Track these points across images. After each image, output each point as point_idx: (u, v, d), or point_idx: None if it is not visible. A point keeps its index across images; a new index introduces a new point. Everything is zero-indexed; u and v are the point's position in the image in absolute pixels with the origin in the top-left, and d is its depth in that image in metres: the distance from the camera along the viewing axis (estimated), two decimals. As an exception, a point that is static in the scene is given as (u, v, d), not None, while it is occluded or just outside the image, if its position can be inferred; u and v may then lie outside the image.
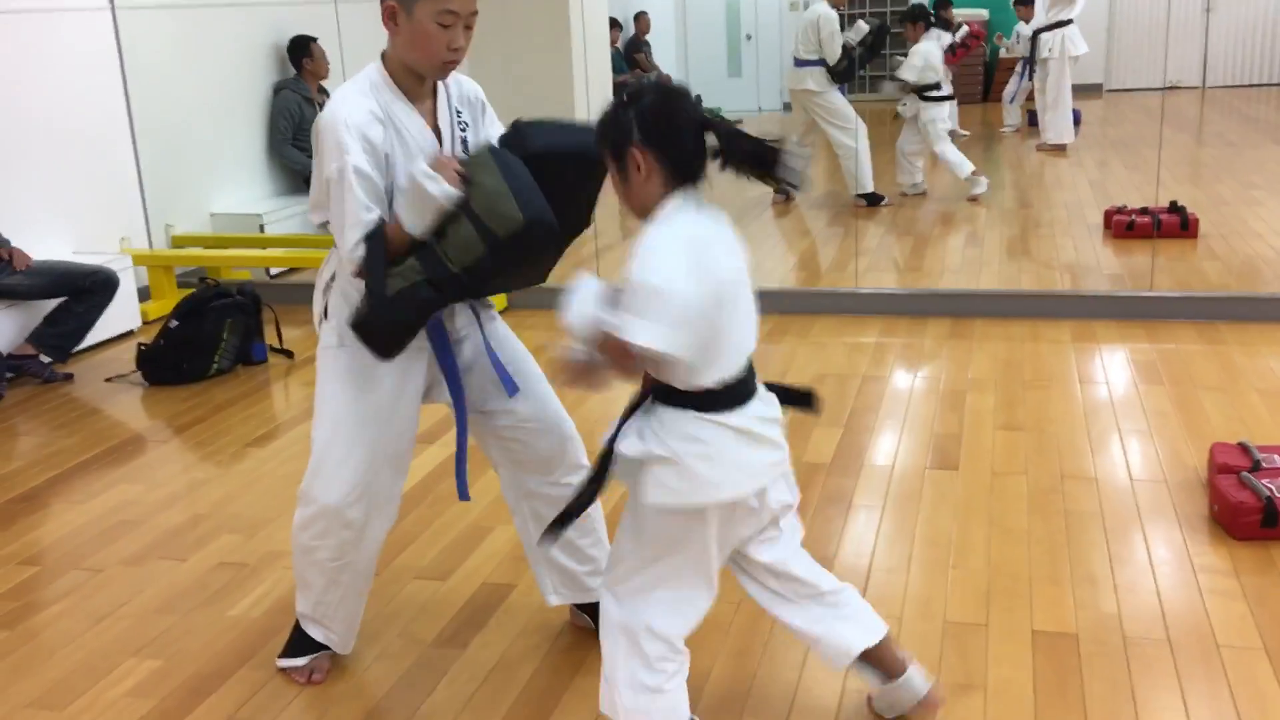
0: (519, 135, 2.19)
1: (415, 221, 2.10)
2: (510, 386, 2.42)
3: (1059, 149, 8.74)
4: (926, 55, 7.52)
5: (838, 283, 5.72)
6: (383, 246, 2.12)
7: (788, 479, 2.13)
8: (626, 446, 1.96)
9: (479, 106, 2.39)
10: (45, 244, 5.18)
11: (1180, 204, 6.24)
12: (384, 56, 2.25)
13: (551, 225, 2.07)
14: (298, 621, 2.58)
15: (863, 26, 7.53)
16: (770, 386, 2.08)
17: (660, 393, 1.96)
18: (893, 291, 5.42)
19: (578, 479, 2.50)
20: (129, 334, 5.44)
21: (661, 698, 2.04)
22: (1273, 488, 2.96)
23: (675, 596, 2.03)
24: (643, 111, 1.90)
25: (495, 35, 9.06)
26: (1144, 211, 6.23)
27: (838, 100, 7.44)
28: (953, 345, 4.70)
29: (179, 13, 6.26)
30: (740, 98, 10.62)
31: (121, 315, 5.32)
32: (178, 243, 6.24)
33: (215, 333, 4.77)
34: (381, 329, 2.15)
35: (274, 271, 6.25)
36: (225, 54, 6.58)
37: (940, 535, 3.07)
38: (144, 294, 5.79)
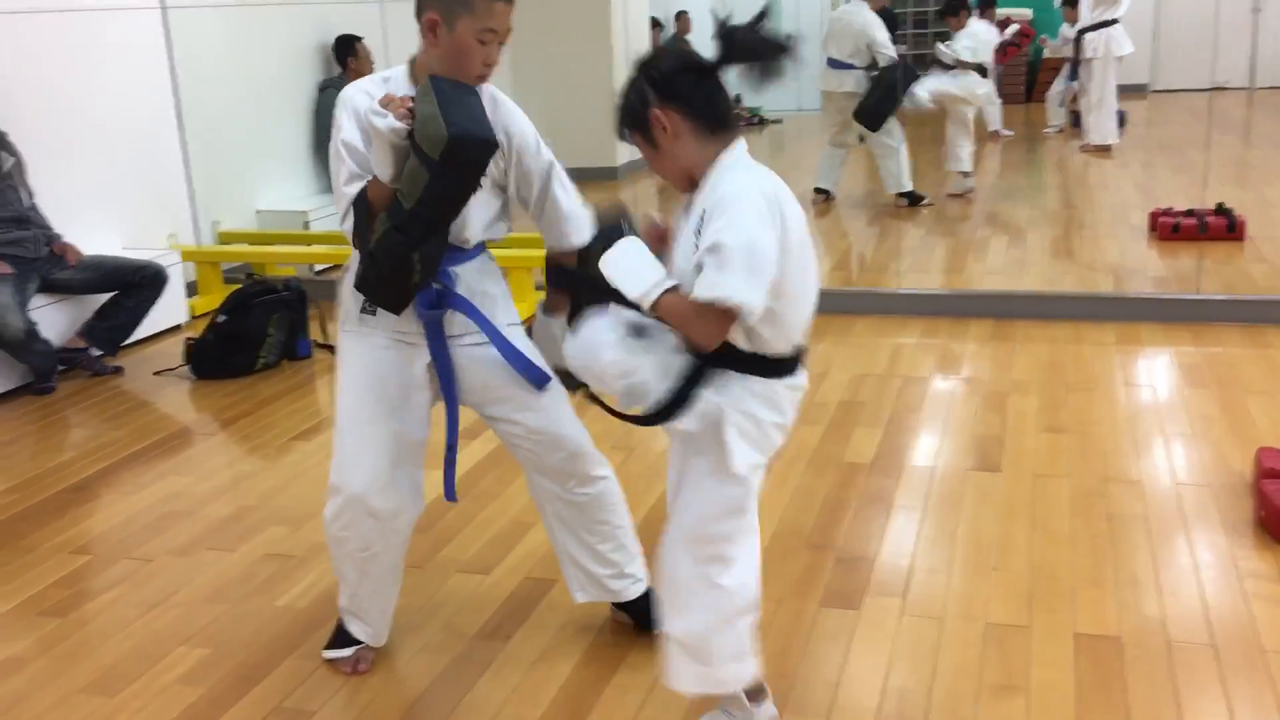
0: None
1: (377, 163, 2.17)
2: (538, 377, 2.42)
3: (1104, 150, 8.67)
4: (975, 34, 7.48)
5: (879, 283, 5.71)
6: (365, 207, 2.21)
7: None
8: (702, 411, 1.92)
9: (504, 110, 2.38)
10: (96, 239, 5.26)
11: (1227, 206, 6.18)
12: (414, 61, 2.31)
13: (480, 138, 2.09)
14: (340, 612, 2.63)
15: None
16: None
17: (723, 358, 1.91)
18: (934, 292, 5.40)
19: (594, 490, 2.53)
20: (177, 328, 5.53)
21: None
22: (1321, 493, 2.93)
23: (741, 551, 2.05)
24: (650, 74, 1.90)
25: (538, 34, 9.11)
26: (1189, 213, 6.17)
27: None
28: (995, 346, 4.68)
29: (228, 11, 6.35)
30: (780, 97, 10.59)
31: (170, 310, 5.40)
32: (224, 239, 6.32)
33: (261, 328, 4.83)
34: (374, 284, 2.26)
35: (318, 268, 6.32)
36: (272, 53, 6.66)
37: (982, 537, 3.07)
38: (191, 289, 5.88)
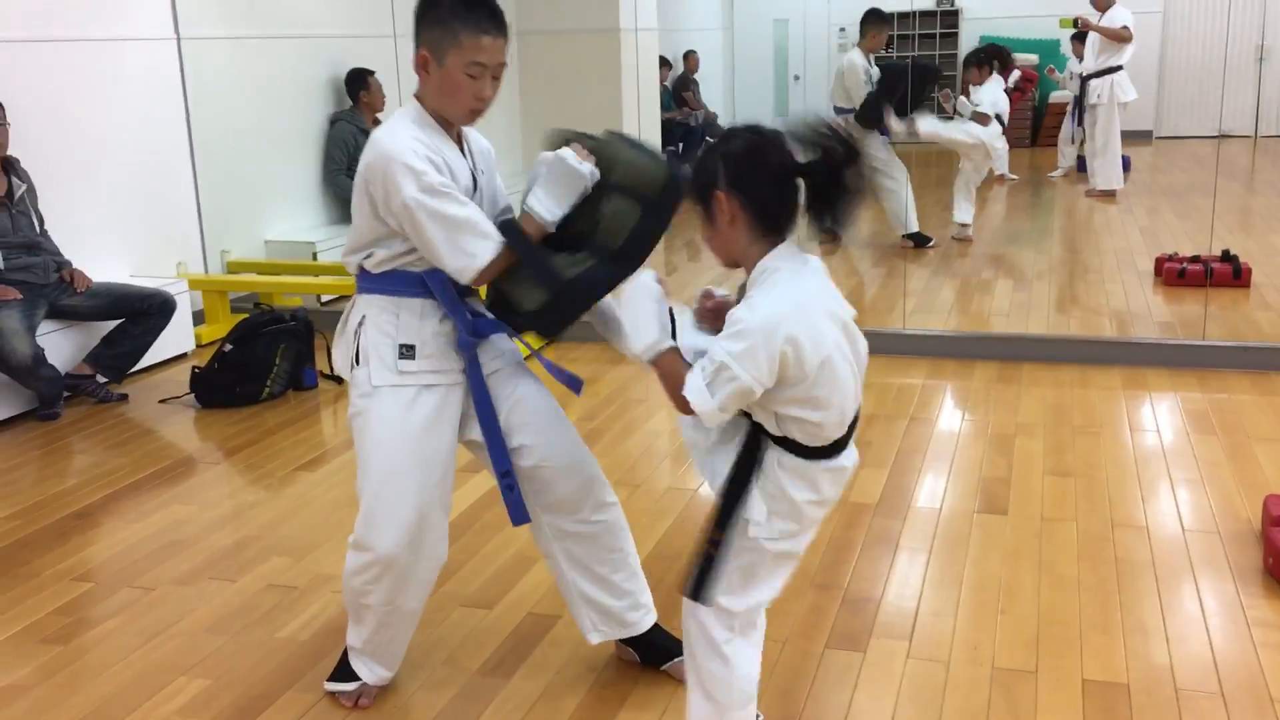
0: (653, 158, 2.27)
1: (552, 206, 2.22)
2: (574, 384, 2.48)
3: (1108, 195, 8.69)
4: (994, 93, 7.55)
5: (885, 323, 5.71)
6: (526, 235, 2.24)
7: None
8: (754, 511, 2.00)
9: (489, 157, 2.46)
10: (105, 267, 5.28)
11: (1233, 253, 6.19)
12: (419, 98, 2.32)
13: (685, 175, 2.15)
14: (347, 649, 2.61)
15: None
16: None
17: (773, 439, 1.98)
18: (941, 333, 5.40)
19: (607, 516, 2.52)
20: (183, 356, 5.53)
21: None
22: (1329, 542, 2.92)
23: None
24: (729, 155, 1.90)
25: (547, 72, 9.17)
26: (1195, 259, 6.18)
27: (876, 145, 7.47)
28: (1001, 389, 4.68)
29: (241, 44, 6.40)
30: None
31: (177, 338, 5.41)
32: (233, 268, 6.34)
33: (268, 358, 4.84)
34: (557, 318, 2.29)
35: (325, 299, 6.33)
36: (284, 85, 6.71)
37: (989, 580, 3.05)
38: (199, 318, 5.88)
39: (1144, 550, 3.19)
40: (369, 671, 2.57)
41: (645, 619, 2.61)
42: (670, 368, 1.95)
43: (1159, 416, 4.31)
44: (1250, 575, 3.02)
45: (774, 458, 1.98)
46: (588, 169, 2.21)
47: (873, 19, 7.53)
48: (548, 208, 2.22)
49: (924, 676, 2.60)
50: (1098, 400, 4.49)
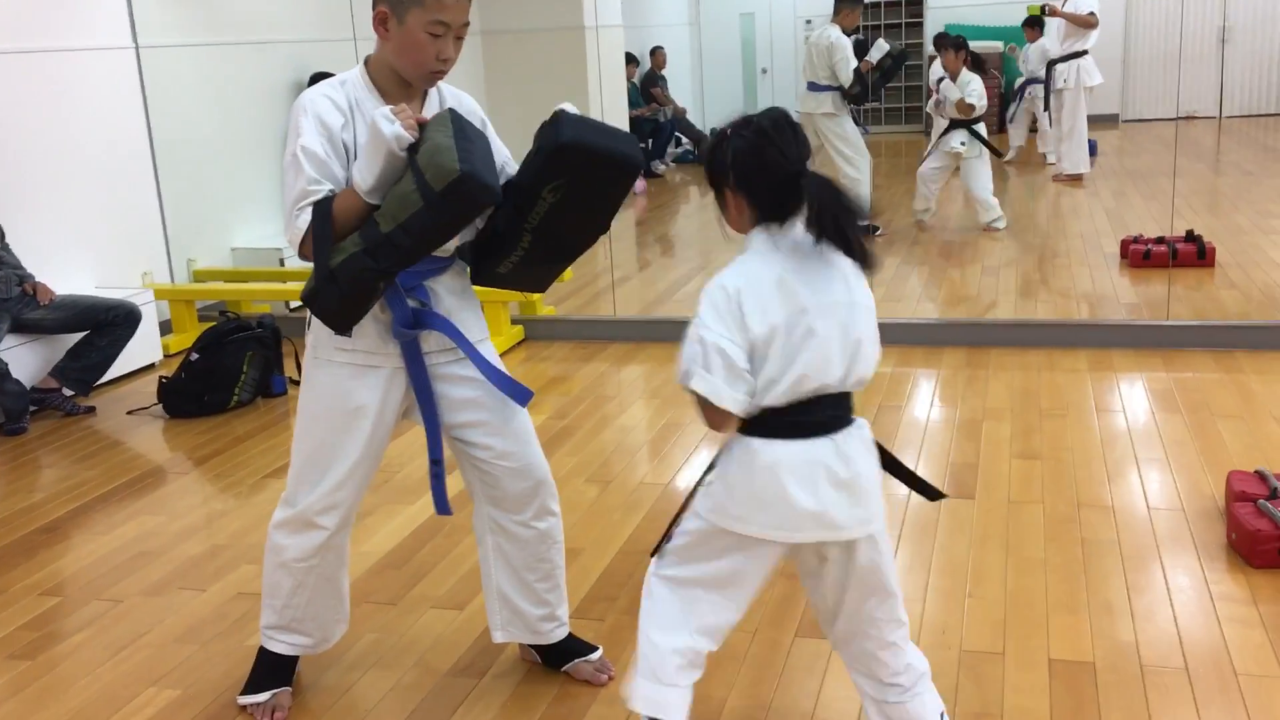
0: (554, 122, 2.17)
1: (364, 168, 2.09)
2: (520, 394, 2.39)
3: (1075, 179, 8.75)
4: (976, 79, 7.49)
5: (854, 313, 5.73)
6: (328, 220, 2.12)
7: (854, 563, 2.02)
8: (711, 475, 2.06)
9: (480, 122, 2.36)
10: (69, 278, 5.25)
11: (1197, 233, 6.24)
12: (368, 59, 2.27)
13: (487, 185, 2.07)
14: (259, 653, 2.59)
15: (883, 45, 7.55)
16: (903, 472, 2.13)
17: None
18: (909, 321, 5.43)
19: (546, 525, 2.51)
20: (151, 367, 5.50)
21: (673, 692, 2.09)
22: (1291, 515, 2.95)
23: (709, 599, 2.07)
24: (735, 153, 1.94)
25: (513, 71, 9.16)
26: (1160, 241, 6.23)
27: (850, 127, 7.49)
28: (969, 375, 4.70)
29: (201, 51, 6.37)
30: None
31: (143, 349, 5.37)
32: (199, 277, 6.31)
33: (235, 365, 4.81)
34: (328, 304, 2.16)
35: (293, 305, 6.30)
36: (246, 91, 6.68)
37: (957, 564, 3.07)
38: (165, 328, 5.85)
39: (1110, 530, 3.22)
40: (288, 645, 2.55)
41: (556, 632, 2.60)
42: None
43: (1125, 397, 4.35)
44: (1214, 551, 3.05)
45: (738, 441, 1.99)
46: (393, 131, 2.04)
47: None
48: (361, 171, 2.10)
49: (893, 662, 2.61)
50: (1064, 383, 4.52)
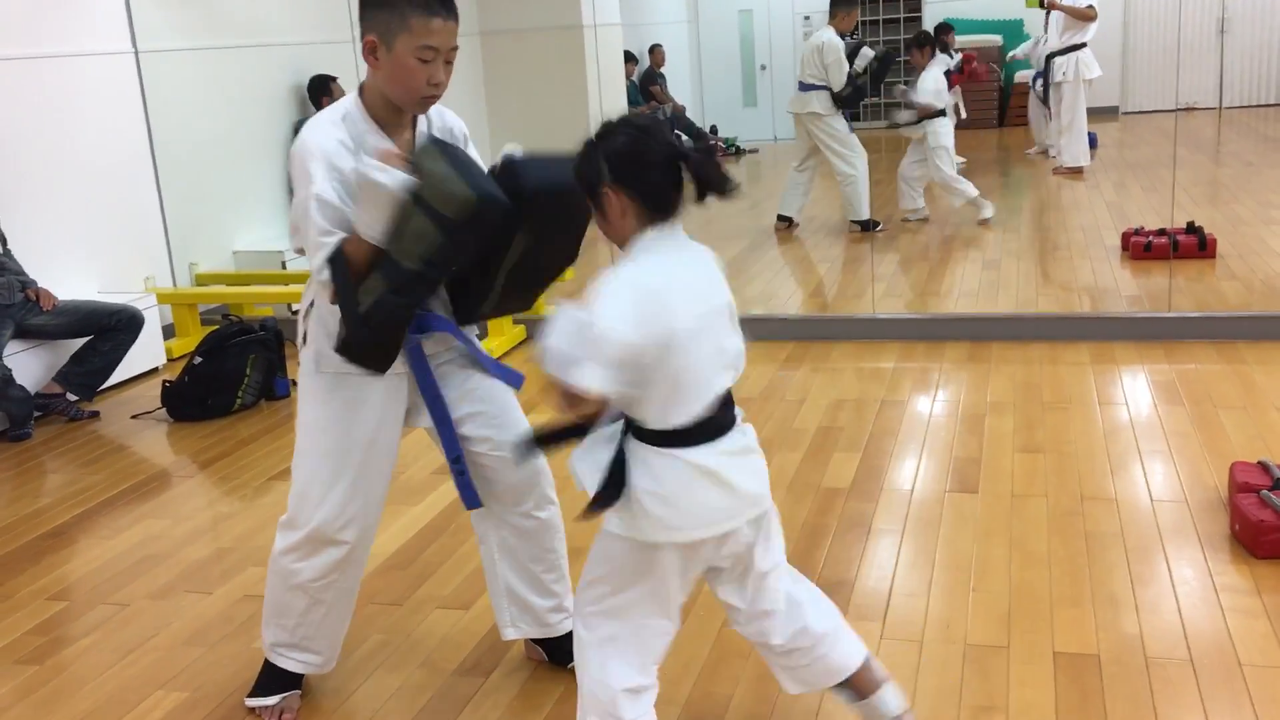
0: (512, 173, 2.18)
1: (370, 222, 2.09)
2: (514, 379, 2.43)
3: (1075, 172, 8.74)
4: (937, 79, 7.54)
5: (854, 309, 5.74)
6: (345, 266, 2.13)
7: (764, 532, 2.08)
8: (585, 474, 1.96)
9: (462, 139, 2.40)
10: (71, 284, 5.26)
11: (1197, 225, 6.24)
12: (362, 88, 2.27)
13: (503, 203, 2.09)
14: (266, 660, 2.59)
15: (868, 53, 7.58)
16: None
17: (630, 425, 1.97)
18: (910, 316, 5.43)
19: (547, 514, 2.53)
20: (154, 371, 5.51)
21: None
22: (1294, 506, 2.95)
23: (636, 627, 2.03)
24: (612, 152, 1.92)
25: (511, 69, 9.17)
26: (1161, 233, 6.22)
27: (841, 126, 7.50)
28: (971, 369, 4.71)
29: (200, 55, 6.37)
30: (756, 127, 10.69)
31: (146, 353, 5.39)
32: (201, 280, 6.32)
33: (239, 369, 4.82)
34: (363, 348, 2.19)
35: (296, 307, 6.30)
36: (246, 94, 6.69)
37: (960, 558, 3.08)
38: (169, 331, 5.86)
39: (1113, 522, 3.22)
40: (299, 664, 2.55)
41: (564, 623, 2.61)
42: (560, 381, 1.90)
43: (1127, 389, 4.35)
44: (1218, 543, 3.06)
45: (632, 444, 1.96)
46: (391, 179, 2.05)
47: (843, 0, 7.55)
48: (367, 225, 2.10)
49: (898, 657, 2.62)
50: (1066, 376, 4.52)
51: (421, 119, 2.34)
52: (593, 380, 1.81)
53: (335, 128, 2.21)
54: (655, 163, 1.91)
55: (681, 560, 2.00)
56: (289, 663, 2.55)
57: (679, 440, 1.93)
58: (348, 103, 2.26)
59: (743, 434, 2.02)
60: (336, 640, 2.58)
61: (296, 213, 2.20)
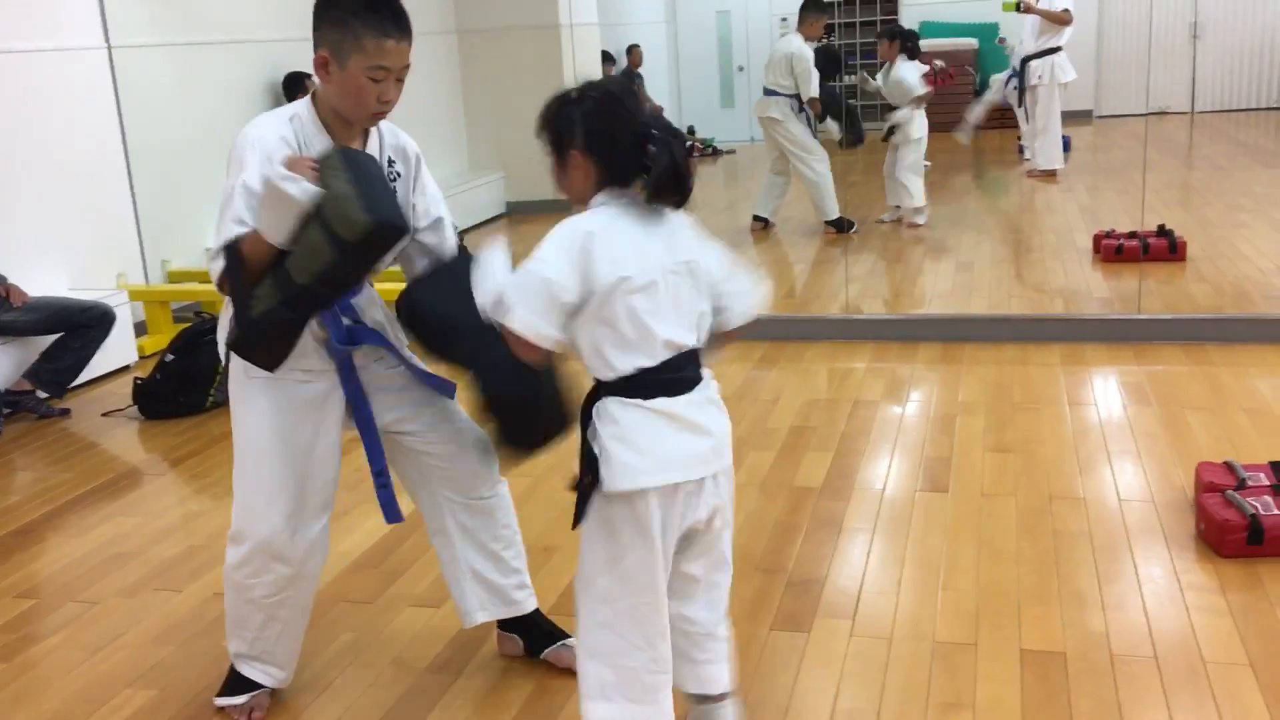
0: (409, 299, 2.26)
1: (273, 227, 2.07)
2: (447, 388, 2.44)
3: (1049, 175, 8.81)
4: (916, 68, 7.53)
5: (829, 309, 5.76)
6: (239, 262, 2.11)
7: (730, 489, 2.10)
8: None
9: (414, 162, 2.40)
10: (42, 280, 5.22)
11: (1168, 228, 6.30)
12: (314, 94, 2.27)
13: (396, 226, 2.09)
14: (232, 659, 2.58)
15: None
16: None
17: (596, 389, 2.01)
18: (883, 317, 5.46)
19: (498, 492, 2.57)
20: (125, 369, 5.47)
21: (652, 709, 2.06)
22: (1258, 505, 2.99)
23: (630, 606, 2.02)
24: (586, 116, 1.94)
25: (488, 68, 9.16)
26: (1132, 235, 6.28)
27: (797, 129, 7.52)
28: (943, 369, 4.74)
29: (174, 51, 6.34)
30: (733, 128, 10.71)
31: (118, 350, 5.35)
32: (174, 278, 6.28)
33: (211, 366, 4.80)
34: (254, 350, 2.19)
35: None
36: (220, 91, 6.65)
37: (930, 557, 3.10)
38: (140, 329, 5.82)
39: (1081, 522, 3.25)
40: (262, 675, 2.54)
41: (529, 600, 2.65)
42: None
43: (1097, 391, 4.39)
44: (1184, 542, 3.09)
45: (602, 403, 1.99)
46: (302, 190, 2.02)
47: (812, 7, 7.56)
48: (271, 230, 2.07)
49: (867, 654, 2.64)
50: (1037, 377, 4.56)
51: (373, 131, 2.34)
52: (527, 326, 1.88)
53: (282, 125, 2.21)
54: (625, 138, 1.94)
55: (662, 513, 1.98)
56: (253, 672, 2.55)
57: (641, 392, 1.96)
58: (300, 105, 2.27)
59: (705, 388, 2.04)
60: (292, 655, 2.57)
61: (222, 200, 2.18)
